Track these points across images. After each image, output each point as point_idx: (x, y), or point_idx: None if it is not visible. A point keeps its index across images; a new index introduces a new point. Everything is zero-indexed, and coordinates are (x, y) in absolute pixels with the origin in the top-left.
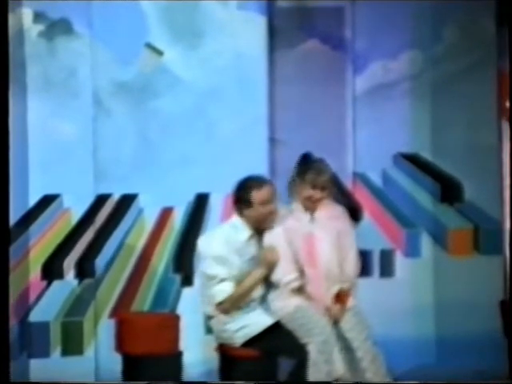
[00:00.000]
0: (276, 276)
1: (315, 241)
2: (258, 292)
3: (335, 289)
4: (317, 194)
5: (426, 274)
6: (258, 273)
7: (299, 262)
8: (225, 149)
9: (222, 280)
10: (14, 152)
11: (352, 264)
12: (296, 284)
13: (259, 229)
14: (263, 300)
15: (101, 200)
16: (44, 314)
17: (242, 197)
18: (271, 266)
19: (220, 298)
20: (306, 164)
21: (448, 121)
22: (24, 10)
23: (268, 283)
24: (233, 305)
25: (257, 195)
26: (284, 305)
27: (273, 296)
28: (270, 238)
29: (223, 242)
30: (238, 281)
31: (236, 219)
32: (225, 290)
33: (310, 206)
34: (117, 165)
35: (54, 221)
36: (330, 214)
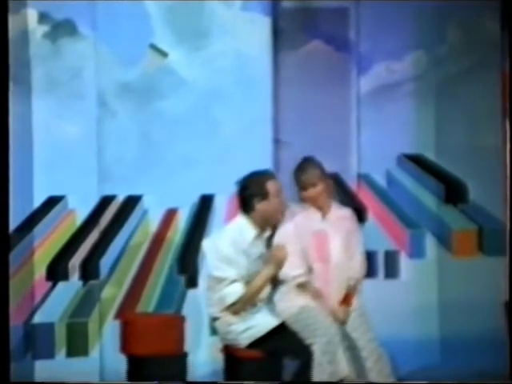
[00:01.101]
0: (283, 270)
1: (327, 238)
2: (266, 291)
3: (342, 291)
4: (309, 192)
5: (431, 274)
6: (268, 271)
7: (308, 259)
8: (229, 150)
9: (232, 282)
10: (18, 153)
11: (358, 264)
12: (303, 279)
13: (265, 227)
14: (269, 301)
15: (105, 201)
16: (49, 315)
17: (255, 191)
18: (280, 264)
19: (231, 299)
20: (296, 167)
21: (452, 121)
22: (29, 10)
23: (274, 283)
24: (244, 305)
25: (271, 185)
26: (288, 306)
27: (278, 296)
28: (280, 233)
29: (230, 243)
30: (247, 281)
31: (241, 219)
32: (236, 291)
33: (316, 205)
34: (121, 166)
35: (59, 222)
36: (340, 215)
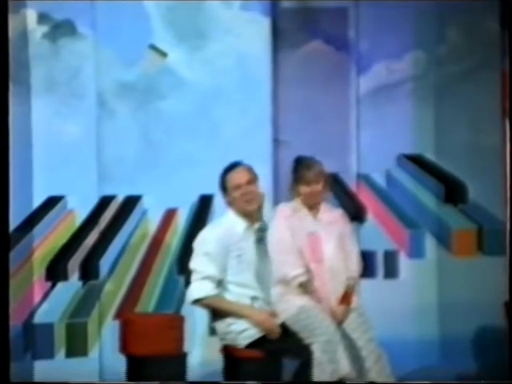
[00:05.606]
0: (283, 271)
1: (319, 239)
2: (251, 292)
3: (340, 290)
4: (313, 188)
5: (430, 274)
6: (247, 313)
7: (304, 259)
8: (229, 150)
9: (205, 278)
10: (18, 153)
11: (355, 264)
12: (303, 278)
13: (249, 218)
14: (267, 302)
15: (105, 201)
16: (48, 315)
17: (219, 186)
18: (261, 327)
19: (196, 295)
20: (297, 164)
21: (451, 122)
22: (28, 11)
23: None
24: (207, 307)
25: (228, 178)
26: (287, 307)
27: (276, 298)
28: (275, 234)
29: (215, 238)
30: (219, 279)
31: (230, 212)
32: (203, 289)
33: (312, 202)
34: (121, 166)
35: (58, 222)
36: (331, 218)
